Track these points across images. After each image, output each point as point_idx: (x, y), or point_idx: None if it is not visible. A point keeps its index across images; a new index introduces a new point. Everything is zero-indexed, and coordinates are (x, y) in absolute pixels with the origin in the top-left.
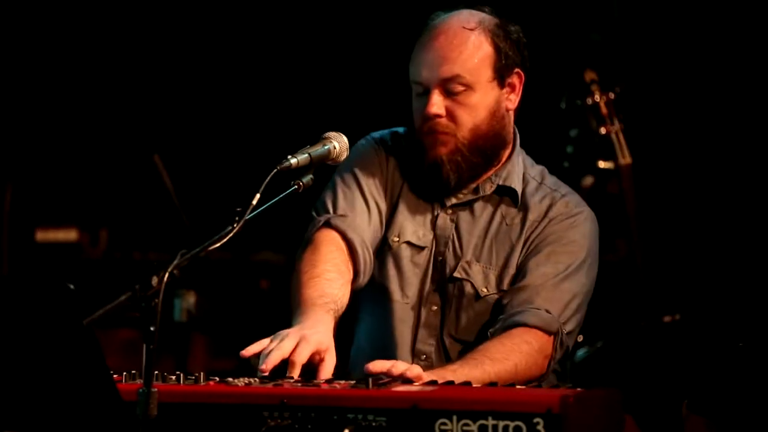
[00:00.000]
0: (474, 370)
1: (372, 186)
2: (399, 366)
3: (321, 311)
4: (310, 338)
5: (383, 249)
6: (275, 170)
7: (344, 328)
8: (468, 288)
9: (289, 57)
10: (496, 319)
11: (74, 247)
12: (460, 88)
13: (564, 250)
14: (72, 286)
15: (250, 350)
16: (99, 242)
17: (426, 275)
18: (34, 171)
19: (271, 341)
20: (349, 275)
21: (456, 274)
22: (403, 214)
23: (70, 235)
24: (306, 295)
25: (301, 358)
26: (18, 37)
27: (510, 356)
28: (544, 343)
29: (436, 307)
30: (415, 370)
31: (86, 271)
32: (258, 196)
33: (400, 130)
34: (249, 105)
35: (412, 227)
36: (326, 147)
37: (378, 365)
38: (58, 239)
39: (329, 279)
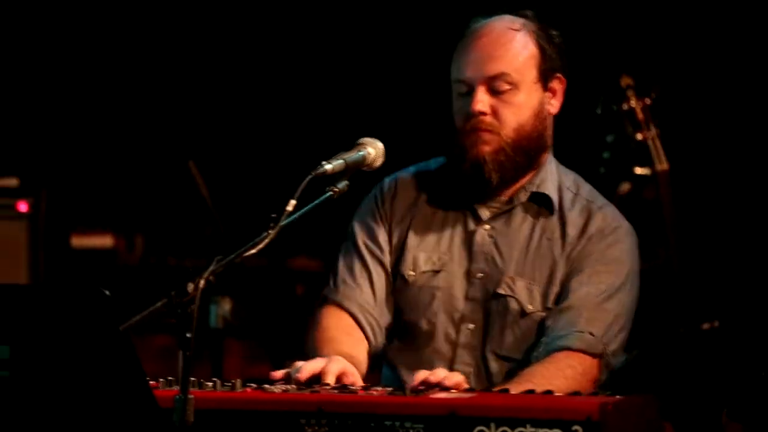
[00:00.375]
0: None
1: (370, 242)
2: (438, 373)
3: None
4: (339, 359)
5: (401, 285)
6: (310, 176)
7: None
8: (513, 305)
9: (325, 63)
10: (540, 340)
11: (110, 254)
12: (506, 86)
13: (606, 269)
14: (108, 293)
15: (278, 373)
16: (135, 248)
17: (452, 296)
18: (70, 177)
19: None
20: (359, 336)
21: (500, 291)
22: (414, 246)
23: (105, 241)
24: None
25: (333, 369)
26: (53, 41)
27: (553, 381)
28: (588, 366)
29: (473, 326)
30: (454, 378)
31: (122, 277)
32: (293, 202)
33: (427, 163)
34: (283, 111)
35: (425, 255)
36: (361, 153)
37: (420, 376)
38: (93, 245)
39: (340, 341)
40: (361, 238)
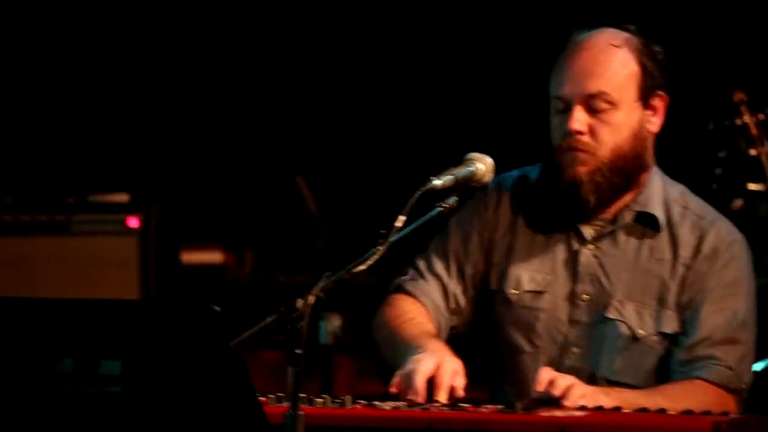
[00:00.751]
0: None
1: (461, 249)
2: (561, 383)
3: (433, 339)
4: (445, 358)
5: (503, 303)
6: (419, 192)
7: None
8: (623, 329)
9: (435, 79)
10: (674, 371)
11: (219, 269)
12: (605, 105)
13: (729, 292)
14: (218, 308)
15: (395, 385)
16: (244, 264)
17: (556, 318)
18: (180, 193)
19: (405, 368)
20: (434, 325)
21: (609, 315)
22: (517, 265)
23: (215, 257)
24: (407, 336)
25: (446, 379)
26: (162, 58)
27: (682, 401)
28: (725, 401)
29: (578, 350)
30: (575, 396)
31: (231, 293)
32: (402, 218)
33: (529, 169)
34: (392, 126)
35: (528, 274)
36: (470, 168)
37: (545, 376)
38: (203, 261)
39: (420, 322)
40: (454, 241)
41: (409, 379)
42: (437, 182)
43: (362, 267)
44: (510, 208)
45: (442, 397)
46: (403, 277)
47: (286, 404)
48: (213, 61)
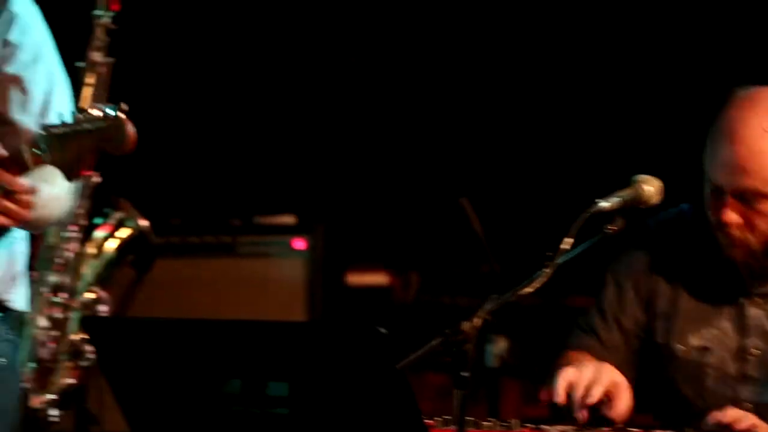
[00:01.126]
0: None
1: (615, 302)
2: (743, 420)
3: (596, 361)
4: (600, 368)
5: (669, 357)
6: (586, 214)
7: None
8: None
9: (603, 101)
10: None
11: (385, 291)
12: (758, 197)
13: None
14: (384, 331)
15: (561, 396)
16: (410, 286)
17: (725, 375)
18: (346, 214)
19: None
20: None
21: None
22: (683, 319)
23: (381, 279)
24: (571, 361)
25: (619, 408)
26: (323, 83)
27: None
28: None
29: (750, 406)
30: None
31: (397, 315)
32: (569, 240)
33: (686, 209)
34: (559, 148)
35: (694, 328)
36: (637, 191)
37: (729, 414)
38: (369, 283)
39: (584, 358)
40: (608, 295)
41: (576, 403)
42: (604, 204)
43: (529, 289)
44: (670, 258)
45: (579, 393)
46: (573, 334)
47: (452, 427)
48: (382, 83)
